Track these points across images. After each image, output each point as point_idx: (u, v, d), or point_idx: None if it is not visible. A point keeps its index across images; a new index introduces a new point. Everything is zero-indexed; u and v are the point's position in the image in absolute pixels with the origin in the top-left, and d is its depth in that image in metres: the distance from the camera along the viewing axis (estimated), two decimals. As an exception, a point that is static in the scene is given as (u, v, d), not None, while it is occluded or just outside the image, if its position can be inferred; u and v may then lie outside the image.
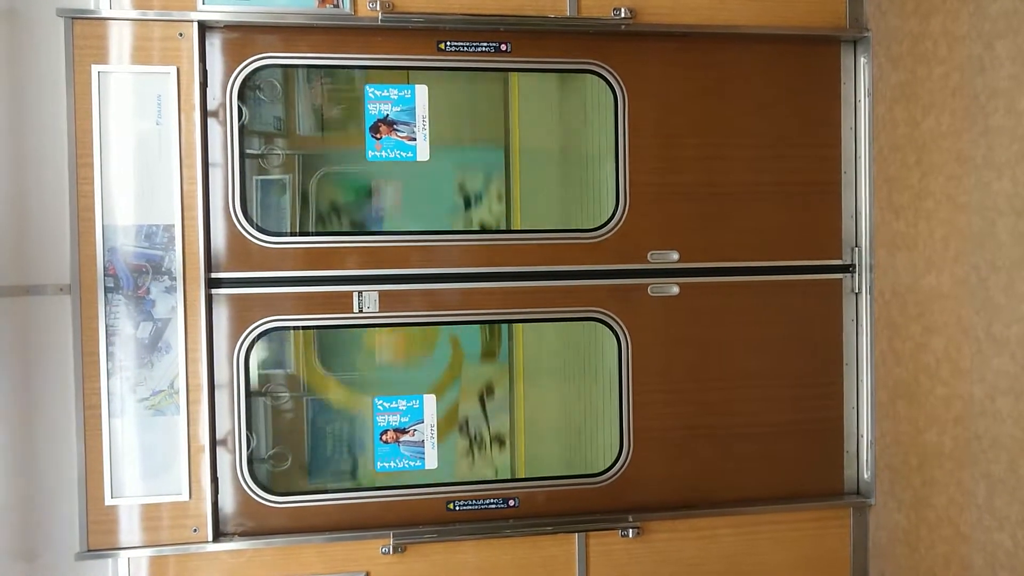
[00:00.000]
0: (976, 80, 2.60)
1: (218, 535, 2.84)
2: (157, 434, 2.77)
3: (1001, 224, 2.51)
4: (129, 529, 2.77)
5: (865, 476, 3.19)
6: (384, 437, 2.99)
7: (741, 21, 3.06)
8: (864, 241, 3.17)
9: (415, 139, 2.97)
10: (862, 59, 3.15)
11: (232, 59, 2.85)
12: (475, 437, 3.28)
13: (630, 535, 3.01)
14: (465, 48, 2.96)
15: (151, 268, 2.76)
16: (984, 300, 2.58)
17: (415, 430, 3.00)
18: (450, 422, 3.19)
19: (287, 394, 3.16)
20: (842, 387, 3.22)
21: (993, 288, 2.54)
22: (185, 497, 2.79)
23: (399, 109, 2.97)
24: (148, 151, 2.76)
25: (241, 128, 2.87)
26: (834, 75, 3.19)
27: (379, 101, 2.96)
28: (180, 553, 2.80)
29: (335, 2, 2.83)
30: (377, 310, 2.94)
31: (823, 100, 3.18)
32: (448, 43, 2.95)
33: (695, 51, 3.09)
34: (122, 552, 2.76)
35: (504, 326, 3.29)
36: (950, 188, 2.71)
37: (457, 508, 3.00)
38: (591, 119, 3.23)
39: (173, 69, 2.76)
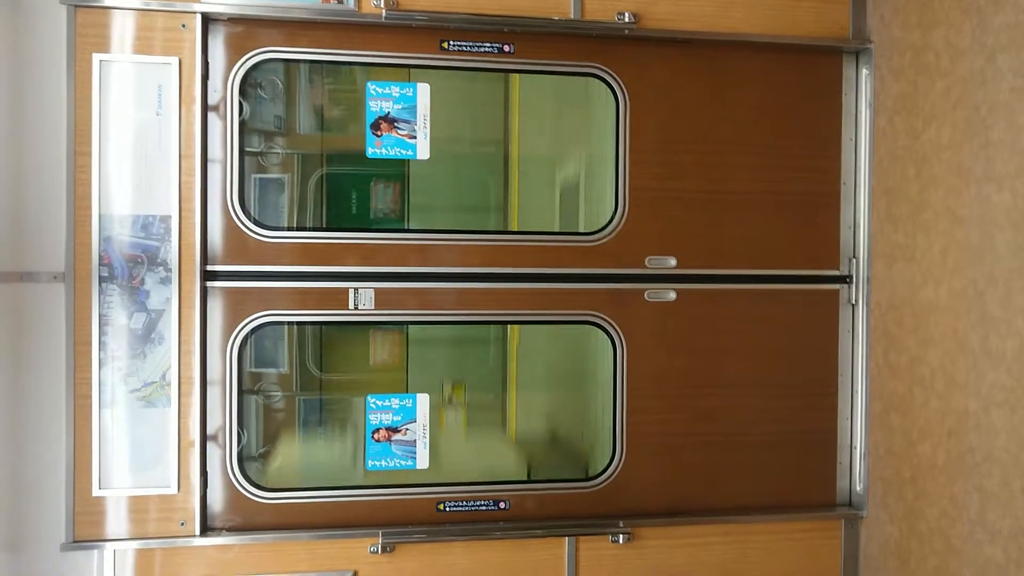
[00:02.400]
0: (977, 93, 2.60)
1: (205, 530, 2.82)
2: (147, 426, 2.75)
3: (1000, 238, 2.51)
4: (116, 521, 2.74)
5: (858, 488, 3.18)
6: (376, 436, 2.98)
7: (744, 29, 3.06)
8: (862, 252, 3.17)
9: (415, 137, 2.97)
10: (864, 70, 3.16)
11: (234, 52, 2.85)
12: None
13: (620, 541, 2.99)
14: (468, 48, 2.96)
15: (146, 259, 2.74)
16: (981, 313, 2.57)
17: (407, 429, 2.99)
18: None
19: (279, 391, 3.15)
20: (836, 398, 3.22)
21: (990, 301, 2.54)
22: (173, 490, 2.77)
23: (400, 107, 2.96)
24: (147, 141, 2.75)
25: (241, 120, 2.86)
26: (835, 85, 3.19)
27: (380, 98, 2.95)
28: (167, 546, 2.78)
29: (339, -2, 2.83)
30: (373, 307, 2.93)
31: (824, 110, 3.18)
32: (451, 42, 2.95)
33: (698, 57, 3.09)
34: (108, 544, 2.73)
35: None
36: (949, 201, 2.71)
37: (448, 509, 2.98)
38: (592, 122, 3.23)
39: (175, 60, 2.75)
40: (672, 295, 3.10)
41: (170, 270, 2.75)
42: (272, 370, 3.17)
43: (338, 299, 2.92)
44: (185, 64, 2.76)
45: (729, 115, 3.13)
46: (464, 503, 2.99)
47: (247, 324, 2.86)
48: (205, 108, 2.80)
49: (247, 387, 2.95)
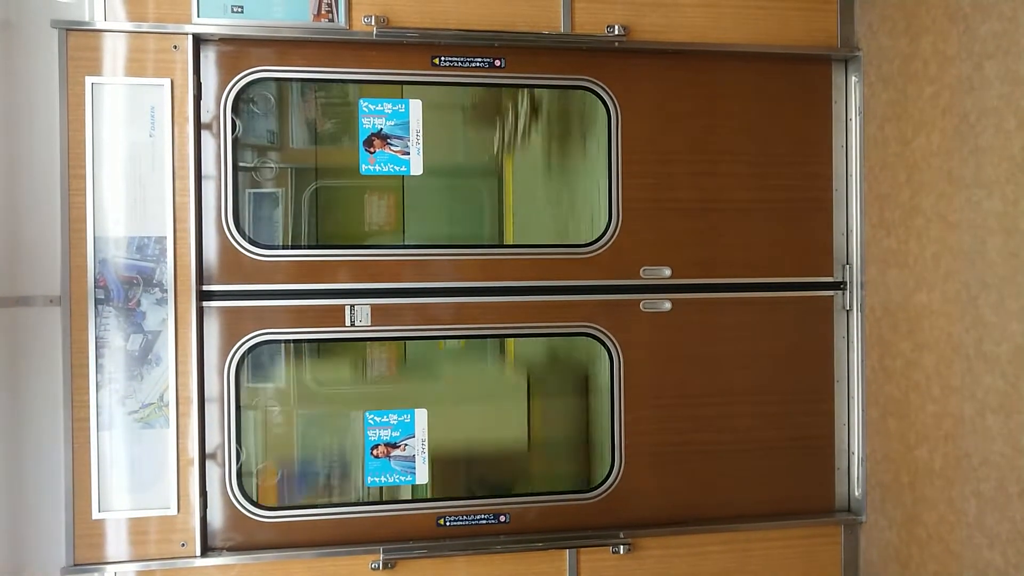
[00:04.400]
0: (966, 99, 2.62)
1: (206, 550, 2.81)
2: (146, 447, 2.75)
3: (991, 242, 2.52)
4: (116, 543, 2.74)
5: (856, 493, 3.19)
6: (375, 452, 2.98)
7: (733, 39, 3.08)
8: (855, 258, 3.19)
9: (408, 153, 2.98)
10: (853, 78, 3.18)
11: (227, 71, 2.86)
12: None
13: (621, 551, 3.00)
14: (459, 63, 2.98)
15: (142, 280, 2.75)
16: (974, 318, 2.59)
17: (406, 445, 2.99)
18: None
19: (277, 407, 3.14)
20: (833, 404, 3.23)
21: (983, 306, 2.55)
22: (173, 511, 2.77)
23: (393, 123, 2.97)
24: (141, 163, 2.75)
25: (235, 140, 2.87)
26: (825, 94, 3.21)
27: (373, 115, 2.96)
28: (168, 568, 2.78)
29: (330, 16, 2.85)
30: (369, 324, 2.94)
31: (814, 118, 3.20)
32: (442, 58, 2.97)
33: (688, 68, 3.11)
34: (109, 566, 2.73)
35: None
36: (940, 206, 2.73)
37: (448, 524, 2.98)
38: (584, 135, 3.24)
39: (167, 81, 2.75)
40: (667, 305, 3.11)
41: (166, 291, 2.76)
42: (269, 385, 3.16)
43: (335, 316, 2.92)
44: (177, 85, 2.77)
45: (720, 125, 3.14)
46: (464, 517, 2.99)
47: (244, 343, 2.86)
48: (198, 128, 2.81)
49: (245, 403, 2.95)
